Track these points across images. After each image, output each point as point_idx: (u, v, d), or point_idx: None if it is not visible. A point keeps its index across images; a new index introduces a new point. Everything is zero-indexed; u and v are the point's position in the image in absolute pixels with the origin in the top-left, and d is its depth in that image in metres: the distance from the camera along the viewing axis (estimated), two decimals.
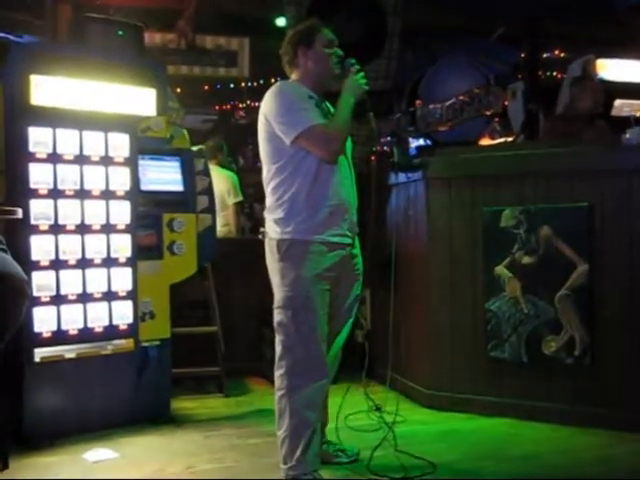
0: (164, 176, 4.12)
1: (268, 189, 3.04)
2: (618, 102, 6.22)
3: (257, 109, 3.08)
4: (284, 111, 2.93)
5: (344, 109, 2.99)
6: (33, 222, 3.57)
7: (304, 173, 2.93)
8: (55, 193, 3.65)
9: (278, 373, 2.96)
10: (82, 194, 3.74)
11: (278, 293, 2.98)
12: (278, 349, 2.96)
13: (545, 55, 8.51)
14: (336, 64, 3.08)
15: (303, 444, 2.88)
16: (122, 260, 3.87)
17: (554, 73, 8.71)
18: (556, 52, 8.86)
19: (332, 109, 3.09)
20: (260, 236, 3.12)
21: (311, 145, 2.91)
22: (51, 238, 3.63)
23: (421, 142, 4.72)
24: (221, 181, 5.73)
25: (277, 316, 2.97)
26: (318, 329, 2.93)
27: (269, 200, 3.04)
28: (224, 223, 5.90)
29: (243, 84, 8.57)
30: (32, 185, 3.58)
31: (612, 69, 6.46)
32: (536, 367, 3.86)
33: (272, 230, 3.00)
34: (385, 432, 3.35)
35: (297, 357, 2.91)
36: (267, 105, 2.99)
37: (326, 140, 2.93)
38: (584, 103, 4.81)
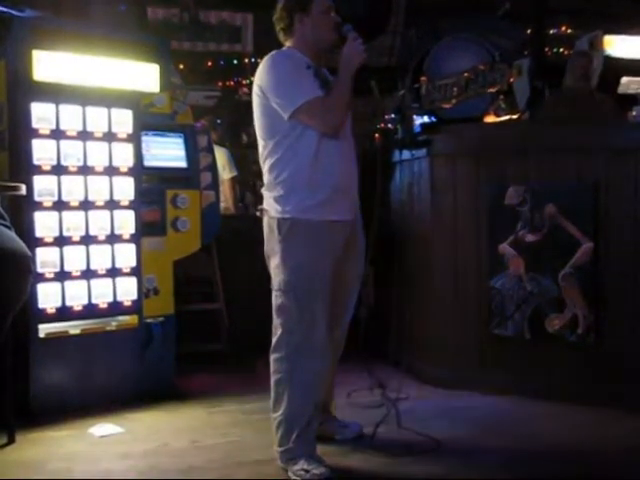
0: (167, 152, 4.11)
1: (265, 166, 2.94)
2: (625, 79, 6.18)
3: None
4: (281, 83, 2.83)
5: (343, 79, 2.84)
6: (37, 198, 3.56)
7: (304, 149, 2.83)
8: (58, 169, 3.64)
9: (276, 356, 2.89)
10: (85, 170, 3.73)
11: (278, 275, 2.88)
12: (277, 332, 2.89)
13: (551, 31, 8.45)
14: (333, 30, 2.93)
15: (299, 429, 2.84)
16: (126, 236, 3.86)
17: (561, 49, 8.65)
18: (563, 28, 8.79)
19: (331, 78, 2.97)
20: (258, 213, 3.05)
21: (311, 119, 2.81)
22: (55, 214, 3.63)
23: (425, 119, 4.69)
24: (217, 156, 5.74)
25: (277, 299, 2.89)
26: (321, 311, 2.86)
27: (267, 177, 2.94)
28: (221, 199, 5.92)
29: (247, 60, 8.53)
30: (35, 161, 3.57)
31: (619, 46, 6.41)
32: (539, 345, 3.87)
33: (272, 208, 2.90)
34: (388, 409, 3.36)
35: (298, 341, 2.85)
36: (262, 77, 2.88)
37: (326, 113, 2.82)
38: (574, 79, 4.81)
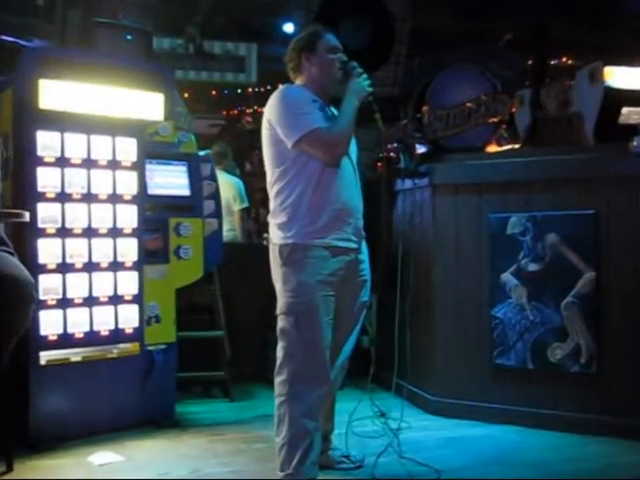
0: (171, 180, 4.14)
1: (272, 193, 3.03)
2: (625, 110, 6.21)
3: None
4: (287, 114, 2.93)
5: (347, 112, 2.98)
6: (40, 225, 3.58)
7: (307, 177, 2.92)
8: (62, 197, 3.66)
9: (279, 379, 2.93)
10: (89, 198, 3.75)
11: (281, 299, 2.96)
12: (280, 355, 2.94)
13: (552, 62, 8.51)
14: (339, 68, 3.07)
15: (301, 453, 2.85)
16: (128, 264, 3.87)
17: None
18: (564, 59, 8.86)
19: (337, 113, 3.08)
20: (264, 242, 3.12)
21: (313, 149, 2.91)
22: (58, 241, 3.64)
23: (428, 149, 4.71)
24: (227, 187, 5.75)
25: (280, 323, 2.95)
26: (321, 336, 2.91)
27: (272, 204, 3.03)
28: (230, 228, 5.92)
29: (250, 89, 8.61)
30: (40, 189, 3.59)
31: (620, 76, 6.45)
32: (542, 374, 3.85)
33: (275, 235, 2.99)
34: (390, 438, 3.34)
35: (299, 364, 2.89)
36: (271, 109, 2.99)
37: (328, 143, 2.92)
38: (550, 107, 4.85)
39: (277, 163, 2.98)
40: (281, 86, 3.05)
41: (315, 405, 2.91)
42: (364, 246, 3.15)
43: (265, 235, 3.10)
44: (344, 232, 2.97)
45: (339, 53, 3.10)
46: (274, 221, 3.00)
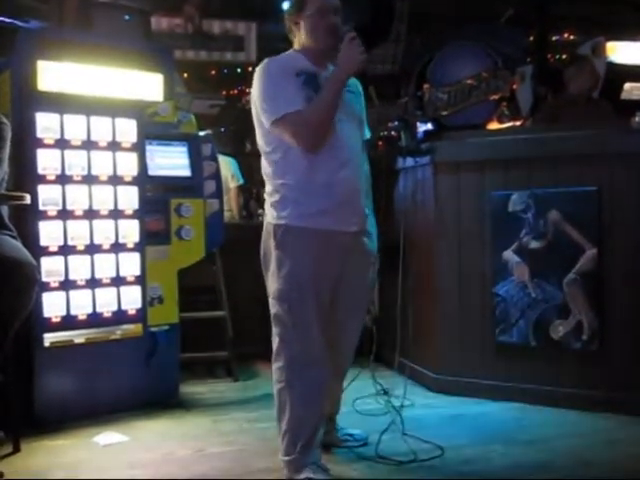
0: (172, 161, 4.12)
1: (264, 173, 2.92)
2: (628, 85, 6.19)
3: None
4: (264, 95, 2.77)
5: (329, 90, 2.71)
6: (41, 208, 3.58)
7: (298, 157, 2.76)
8: (63, 179, 3.65)
9: (276, 366, 2.86)
10: (90, 179, 3.74)
11: (274, 283, 2.84)
12: (275, 341, 2.87)
13: (554, 38, 8.47)
14: (330, 32, 2.79)
15: (304, 438, 2.81)
16: (130, 245, 3.87)
17: (563, 56, 8.68)
18: (565, 35, 8.81)
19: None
20: (261, 218, 3.05)
21: (287, 134, 2.72)
22: (59, 224, 3.64)
23: (429, 126, 4.70)
24: (223, 166, 5.77)
25: (273, 308, 2.85)
26: (316, 322, 2.81)
27: (266, 184, 2.93)
28: (227, 209, 5.94)
29: (250, 68, 8.56)
30: (40, 171, 3.59)
31: (622, 52, 6.42)
32: (544, 351, 3.86)
33: (269, 213, 2.88)
34: (393, 416, 3.36)
35: (295, 351, 2.82)
36: (253, 87, 2.84)
37: (302, 129, 2.70)
38: (581, 84, 4.77)
39: (267, 142, 2.85)
40: (264, 59, 2.86)
41: (315, 391, 2.84)
42: (371, 224, 3.04)
43: (260, 211, 3.06)
44: (341, 216, 2.82)
45: (332, 15, 2.83)
46: (268, 199, 2.90)
